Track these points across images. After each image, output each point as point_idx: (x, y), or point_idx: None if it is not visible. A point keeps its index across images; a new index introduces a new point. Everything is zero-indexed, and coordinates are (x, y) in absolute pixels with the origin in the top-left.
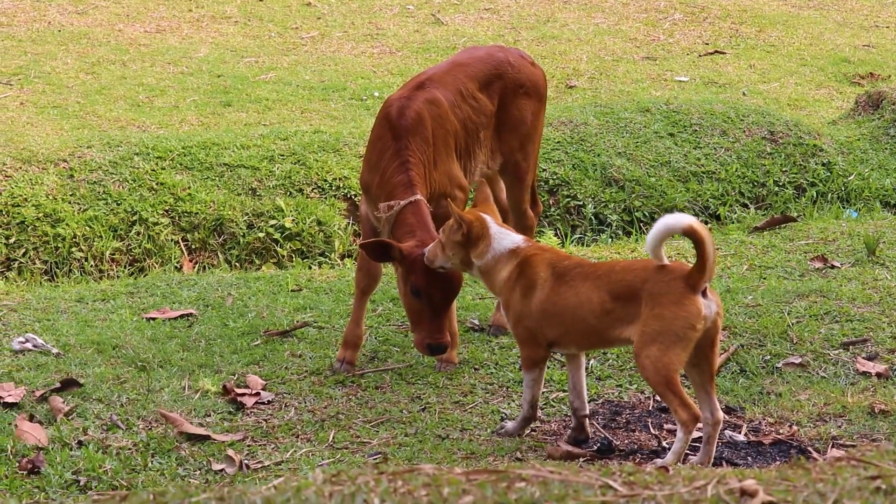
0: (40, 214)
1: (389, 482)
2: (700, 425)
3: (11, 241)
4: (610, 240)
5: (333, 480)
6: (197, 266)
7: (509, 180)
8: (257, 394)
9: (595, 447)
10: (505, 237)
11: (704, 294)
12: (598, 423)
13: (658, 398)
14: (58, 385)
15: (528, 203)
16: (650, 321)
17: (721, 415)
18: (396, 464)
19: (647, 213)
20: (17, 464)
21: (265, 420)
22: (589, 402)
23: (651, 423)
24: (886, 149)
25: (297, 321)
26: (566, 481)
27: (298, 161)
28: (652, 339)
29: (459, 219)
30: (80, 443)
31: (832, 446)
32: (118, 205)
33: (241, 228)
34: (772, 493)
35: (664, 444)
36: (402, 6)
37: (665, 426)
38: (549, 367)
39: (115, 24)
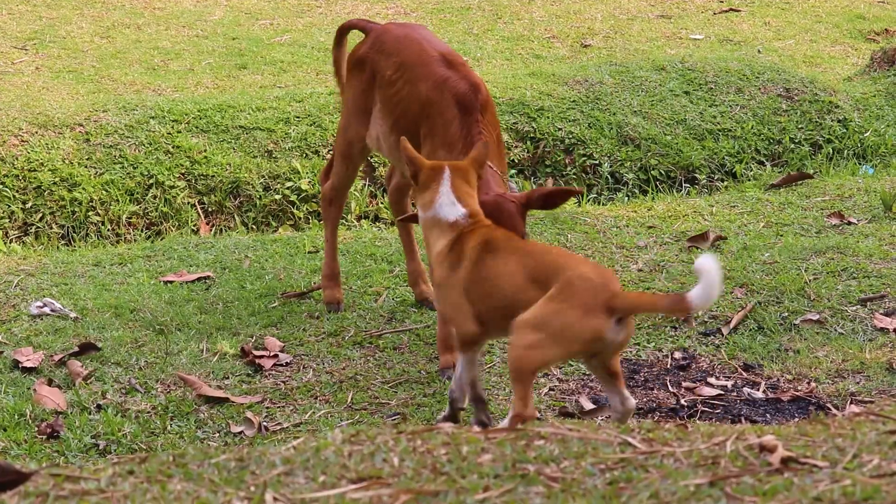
0: (56, 179)
1: (408, 441)
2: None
3: (28, 205)
4: (626, 198)
5: (353, 440)
6: (214, 229)
7: None
8: (275, 356)
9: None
10: (451, 205)
11: (621, 319)
12: None
13: (663, 356)
14: (76, 349)
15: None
16: (548, 307)
17: (633, 403)
18: (415, 424)
19: (663, 172)
20: (37, 428)
21: (283, 382)
22: None
23: (669, 381)
24: None
25: (315, 283)
26: (585, 439)
27: (314, 123)
28: (537, 326)
29: (410, 158)
30: (98, 407)
31: (850, 402)
32: (134, 168)
33: (257, 191)
34: (791, 449)
35: (682, 401)
36: None
37: (683, 384)
38: None
39: None
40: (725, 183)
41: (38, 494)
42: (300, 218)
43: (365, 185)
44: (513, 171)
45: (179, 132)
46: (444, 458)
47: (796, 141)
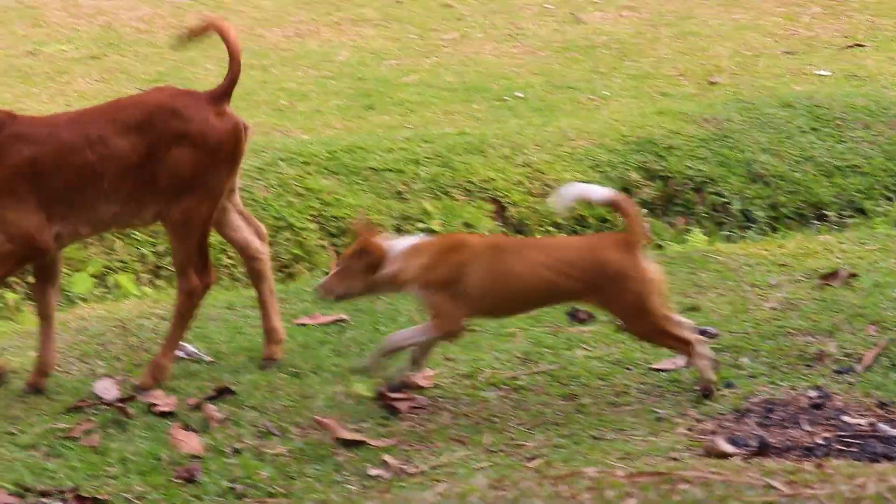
0: None
1: (552, 486)
2: None
3: (160, 248)
4: (757, 236)
5: (497, 486)
6: None
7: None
8: (412, 398)
9: (750, 445)
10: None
11: None
12: (752, 422)
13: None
14: (212, 393)
15: (194, 266)
16: None
17: None
18: (553, 466)
19: (792, 209)
20: (173, 472)
21: (420, 424)
22: (742, 399)
23: (804, 419)
24: None
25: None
26: (728, 482)
27: (444, 163)
28: None
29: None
30: (235, 450)
31: None
32: (265, 210)
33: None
34: None
35: (818, 440)
36: (541, 5)
37: (818, 422)
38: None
39: (254, 29)
40: (855, 219)
41: None
42: None
43: (497, 225)
44: (643, 210)
45: (309, 174)
46: (588, 502)
47: None
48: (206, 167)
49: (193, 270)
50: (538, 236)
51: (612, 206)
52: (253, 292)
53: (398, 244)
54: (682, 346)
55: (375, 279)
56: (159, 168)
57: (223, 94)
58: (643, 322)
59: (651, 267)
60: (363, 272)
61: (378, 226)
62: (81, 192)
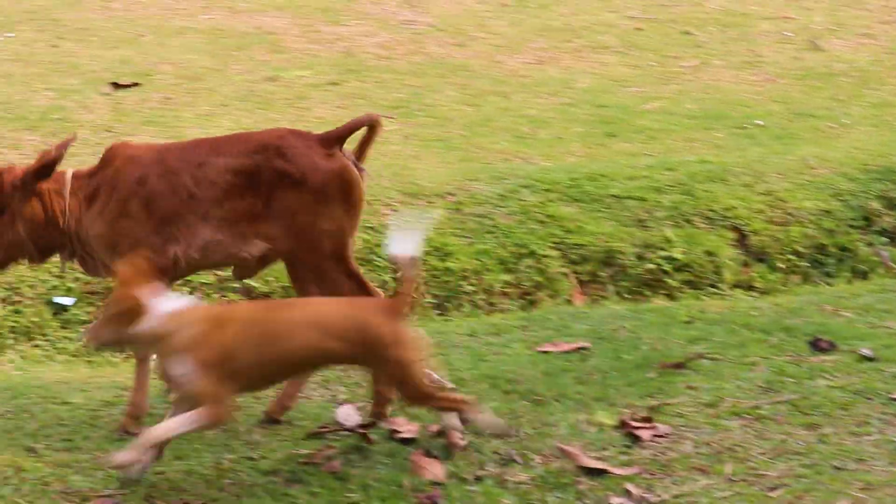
0: (430, 248)
1: None
2: None
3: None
4: None
5: None
6: (587, 298)
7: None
8: (653, 426)
9: None
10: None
11: None
12: None
13: None
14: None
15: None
16: None
17: None
18: (797, 497)
19: None
20: (415, 499)
21: (661, 453)
22: None
23: None
24: None
25: (691, 353)
26: None
27: (686, 192)
28: None
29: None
30: (477, 478)
31: None
32: (507, 237)
33: (630, 260)
34: None
35: None
36: (780, 32)
37: None
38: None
39: (493, 56)
40: None
41: None
42: (673, 287)
43: (738, 253)
44: (883, 239)
45: (551, 201)
46: None
47: None
48: (312, 208)
49: None
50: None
51: (395, 264)
52: (493, 319)
53: (165, 302)
54: (456, 405)
55: (133, 334)
56: (264, 205)
57: (336, 137)
58: (410, 387)
59: (413, 333)
60: (119, 323)
61: (148, 272)
62: (183, 215)
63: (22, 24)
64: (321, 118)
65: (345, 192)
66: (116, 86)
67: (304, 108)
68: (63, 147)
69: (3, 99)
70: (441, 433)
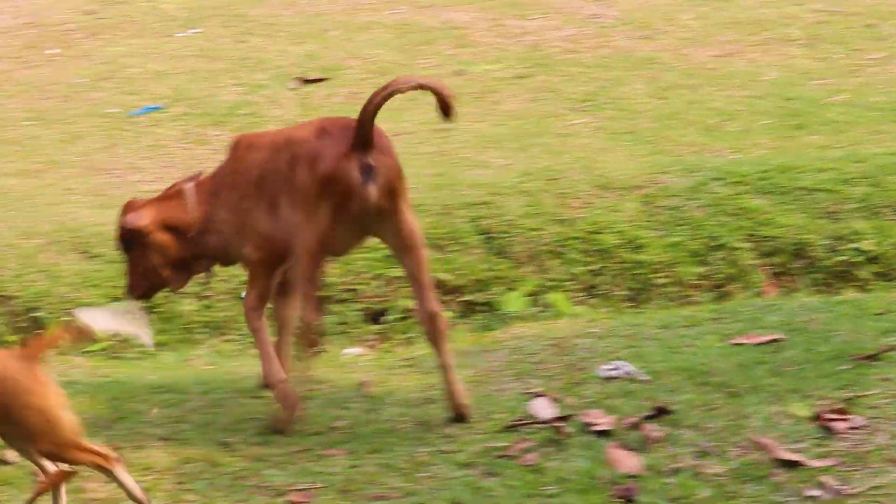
0: (621, 241)
1: None
2: None
3: (593, 267)
4: None
5: None
6: (779, 290)
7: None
8: (848, 418)
9: None
10: None
11: None
12: None
13: None
14: (650, 412)
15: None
16: None
17: None
18: None
19: None
20: (612, 492)
21: (857, 445)
22: None
23: None
24: None
25: (884, 345)
26: None
27: (875, 184)
28: None
29: None
30: (673, 470)
31: None
32: (698, 230)
33: (821, 252)
34: None
35: None
36: None
37: None
38: None
39: (681, 49)
40: None
41: None
42: (865, 279)
43: None
44: None
45: (741, 194)
46: None
47: None
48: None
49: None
50: None
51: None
52: (686, 312)
53: None
54: (99, 459)
55: None
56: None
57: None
58: (48, 441)
59: (52, 383)
60: None
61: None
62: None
63: (208, 19)
64: (510, 112)
65: (340, 190)
66: (304, 81)
67: (494, 102)
68: None
69: (189, 95)
70: (635, 426)
